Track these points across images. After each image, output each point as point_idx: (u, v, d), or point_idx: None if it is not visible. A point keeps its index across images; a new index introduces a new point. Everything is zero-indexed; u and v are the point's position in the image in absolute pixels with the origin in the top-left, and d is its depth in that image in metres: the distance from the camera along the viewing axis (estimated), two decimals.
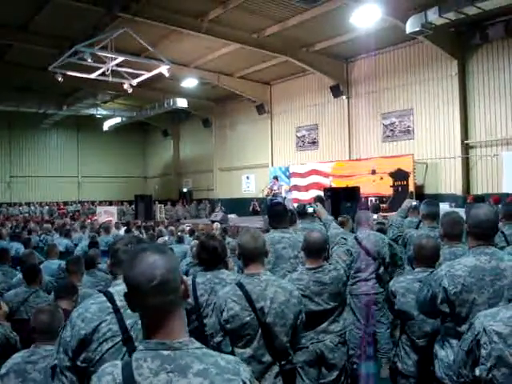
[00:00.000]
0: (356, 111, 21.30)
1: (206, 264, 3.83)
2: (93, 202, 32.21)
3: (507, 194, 14.89)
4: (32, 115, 29.06)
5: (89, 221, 19.10)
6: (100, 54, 16.91)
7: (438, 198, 14.71)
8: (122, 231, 13.56)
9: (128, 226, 15.01)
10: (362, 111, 20.97)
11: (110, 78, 17.95)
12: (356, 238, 6.03)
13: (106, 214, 22.95)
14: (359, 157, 20.96)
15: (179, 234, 11.34)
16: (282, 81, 24.78)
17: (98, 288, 5.83)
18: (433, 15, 14.33)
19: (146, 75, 18.85)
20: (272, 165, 25.35)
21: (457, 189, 17.30)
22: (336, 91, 21.56)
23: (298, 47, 19.77)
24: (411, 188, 17.47)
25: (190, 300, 3.57)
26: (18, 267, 7.00)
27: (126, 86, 19.27)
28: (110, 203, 30.15)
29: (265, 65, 22.04)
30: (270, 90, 25.68)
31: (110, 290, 2.46)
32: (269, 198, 18.31)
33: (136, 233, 13.06)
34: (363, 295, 5.96)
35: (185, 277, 1.70)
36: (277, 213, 5.03)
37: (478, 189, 17.00)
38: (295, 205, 15.94)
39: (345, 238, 5.75)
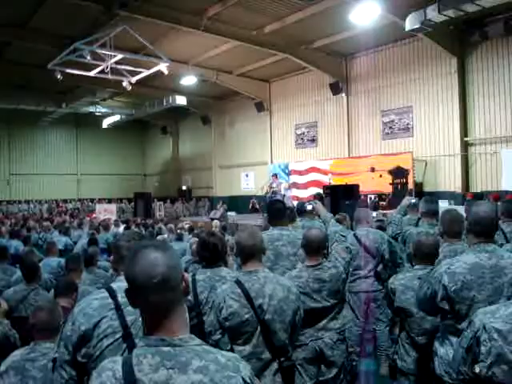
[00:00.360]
0: (355, 109, 21.29)
1: (206, 261, 3.82)
2: (92, 200, 32.28)
3: (506, 192, 14.90)
4: (31, 113, 29.06)
5: (88, 218, 19.08)
6: (99, 51, 16.91)
7: (437, 196, 14.73)
8: (121, 229, 13.55)
9: (127, 223, 15.00)
10: (362, 109, 20.96)
11: (109, 76, 17.94)
12: (355, 236, 6.04)
13: (105, 212, 22.95)
14: (358, 154, 20.96)
15: (178, 231, 11.35)
16: (281, 78, 24.76)
17: (98, 285, 5.83)
18: (432, 12, 14.31)
19: (145, 73, 18.84)
20: (271, 162, 25.35)
21: (456, 186, 17.30)
22: (335, 89, 21.55)
23: (298, 44, 19.74)
24: (410, 185, 17.49)
25: (190, 297, 3.57)
26: (18, 265, 6.99)
27: (125, 84, 19.25)
28: (109, 201, 30.20)
29: (264, 62, 22.01)
30: (269, 87, 25.67)
31: (113, 285, 2.46)
32: (268, 195, 18.31)
33: (135, 230, 13.05)
34: (362, 293, 5.96)
35: (185, 274, 1.70)
36: (276, 210, 5.02)
37: (477, 186, 17.01)
38: (295, 202, 15.96)
39: (344, 236, 5.76)
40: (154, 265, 1.59)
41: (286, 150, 25.06)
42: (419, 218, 6.19)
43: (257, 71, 23.56)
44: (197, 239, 8.95)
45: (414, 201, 6.98)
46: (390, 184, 17.97)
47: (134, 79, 19.22)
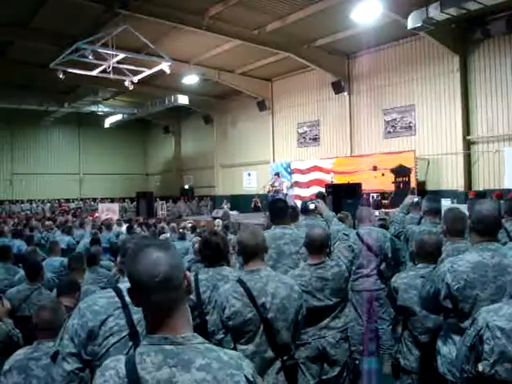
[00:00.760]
0: (357, 107, 21.27)
1: (209, 260, 3.82)
2: (94, 199, 32.30)
3: (509, 190, 14.88)
4: (33, 112, 29.09)
5: (90, 218, 19.10)
6: (101, 51, 16.93)
7: (439, 194, 14.71)
8: (123, 228, 13.56)
9: (130, 223, 15.00)
10: (364, 107, 20.94)
11: (111, 75, 17.97)
12: (358, 234, 6.04)
13: (108, 211, 22.97)
14: (361, 153, 20.93)
15: (181, 230, 11.34)
16: (283, 77, 24.73)
17: (100, 285, 5.85)
18: (434, 11, 14.30)
19: (147, 72, 18.85)
20: (273, 161, 25.33)
21: (458, 185, 17.27)
22: (337, 87, 21.53)
23: (299, 43, 19.72)
24: (413, 184, 17.46)
25: (193, 297, 3.57)
26: (20, 264, 7.01)
27: (127, 83, 19.27)
28: (112, 200, 30.23)
29: (266, 61, 22.00)
30: (271, 86, 25.65)
31: (120, 285, 2.47)
32: (270, 194, 18.31)
33: (138, 230, 13.08)
34: (365, 291, 5.96)
35: (188, 272, 1.70)
36: (278, 209, 5.02)
37: (480, 185, 16.98)
38: (297, 201, 15.95)
39: (346, 234, 5.75)
40: (156, 264, 1.59)
41: (288, 149, 25.05)
42: (421, 217, 6.18)
43: (259, 70, 23.54)
44: (199, 238, 8.96)
45: (416, 199, 6.97)
46: (393, 183, 17.95)
47: (135, 78, 19.22)
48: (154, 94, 26.94)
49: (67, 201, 32.84)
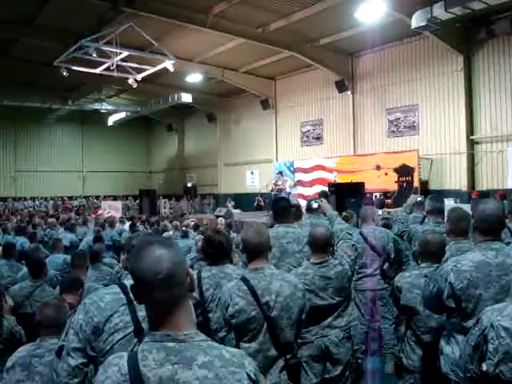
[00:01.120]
0: (361, 106, 21.25)
1: (212, 258, 3.82)
2: (97, 197, 32.32)
3: None
4: (37, 110, 29.12)
5: (93, 215, 19.12)
6: (105, 48, 16.94)
7: (442, 194, 14.69)
8: (126, 226, 13.57)
9: (133, 220, 15.02)
10: (367, 106, 20.92)
11: (115, 73, 17.98)
12: (361, 234, 6.03)
13: (111, 209, 22.98)
14: (364, 152, 20.91)
15: (184, 228, 11.36)
16: (286, 76, 24.71)
17: (103, 282, 5.86)
18: (439, 10, 14.28)
19: (151, 70, 18.86)
20: (276, 160, 25.32)
21: (462, 185, 17.25)
22: (341, 86, 21.50)
23: (303, 42, 19.71)
24: (416, 183, 17.43)
25: (196, 294, 3.57)
26: (23, 261, 7.02)
27: (130, 81, 19.27)
28: (115, 198, 30.21)
29: (269, 60, 21.99)
30: (274, 84, 25.62)
31: (125, 282, 2.47)
32: (273, 193, 18.31)
33: (140, 227, 13.09)
34: (368, 291, 5.96)
35: (190, 270, 1.70)
36: (281, 208, 5.02)
37: (483, 185, 16.96)
38: (300, 200, 15.95)
39: (350, 234, 5.74)
40: (159, 261, 1.59)
41: (291, 148, 25.04)
42: (424, 216, 6.18)
43: (262, 69, 23.53)
44: (202, 236, 8.97)
45: (419, 199, 6.97)
46: (396, 182, 17.93)
47: (139, 76, 19.23)
48: (158, 92, 26.95)
49: (70, 198, 32.84)
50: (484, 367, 2.26)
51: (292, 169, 23.49)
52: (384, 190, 18.59)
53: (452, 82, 17.58)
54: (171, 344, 1.56)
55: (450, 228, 4.13)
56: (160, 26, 17.68)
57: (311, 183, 22.20)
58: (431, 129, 18.51)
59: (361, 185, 15.16)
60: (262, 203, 23.29)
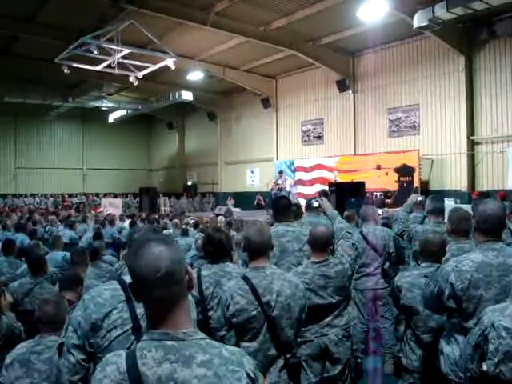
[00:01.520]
0: (362, 106, 21.24)
1: (212, 257, 3.82)
2: (97, 195, 32.33)
3: None
4: (37, 107, 29.09)
5: (93, 212, 19.11)
6: (106, 46, 16.94)
7: (442, 194, 14.67)
8: (126, 224, 13.57)
9: (133, 218, 15.01)
10: (368, 106, 20.91)
11: (116, 71, 17.99)
12: (361, 233, 6.03)
13: (111, 207, 22.97)
14: (364, 152, 20.92)
15: (184, 226, 11.35)
16: (287, 75, 24.71)
17: (103, 279, 5.85)
18: (440, 10, 14.26)
19: (152, 68, 18.86)
20: (277, 159, 25.33)
21: (462, 185, 17.25)
22: (342, 86, 21.51)
23: (305, 41, 19.71)
24: (416, 183, 17.44)
25: (196, 293, 3.57)
26: (23, 258, 7.02)
27: (131, 79, 19.28)
28: (115, 195, 30.23)
29: (271, 58, 21.99)
30: (275, 83, 25.63)
31: (125, 278, 2.46)
32: (273, 192, 18.31)
33: (141, 225, 13.06)
34: (368, 290, 5.96)
35: (189, 268, 1.70)
36: (281, 206, 5.01)
37: (484, 185, 16.96)
38: (300, 199, 15.95)
39: (350, 233, 5.75)
40: (158, 259, 1.58)
41: (291, 147, 25.04)
42: (425, 216, 6.18)
43: (263, 67, 23.53)
44: (202, 235, 8.97)
45: (420, 198, 6.97)
46: (396, 182, 17.95)
47: (140, 74, 19.24)
48: (159, 89, 26.94)
49: (70, 196, 32.82)
50: (484, 367, 2.26)
51: (292, 168, 23.48)
52: (384, 189, 18.60)
53: (453, 82, 17.57)
54: (170, 342, 1.55)
55: (451, 228, 4.12)
56: (161, 24, 17.67)
57: (311, 182, 22.19)
58: (432, 129, 18.51)
59: (361, 184, 15.17)
60: (262, 202, 23.30)
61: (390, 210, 14.57)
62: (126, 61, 18.18)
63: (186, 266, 1.68)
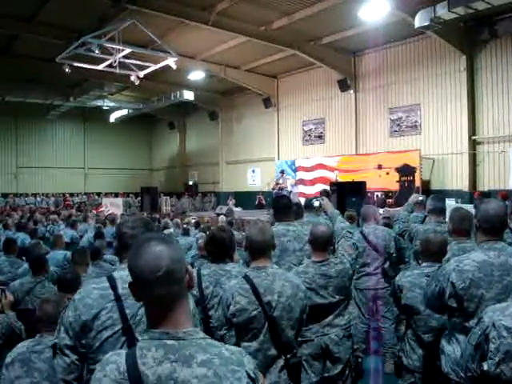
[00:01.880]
0: (363, 106, 21.22)
1: (212, 256, 3.83)
2: (98, 194, 32.34)
3: None
4: (39, 106, 29.11)
5: (94, 212, 19.12)
6: (107, 45, 16.91)
7: (444, 194, 14.66)
8: None
9: None
10: (369, 106, 20.90)
11: (117, 70, 17.96)
12: (362, 233, 6.03)
13: (112, 206, 22.99)
14: (366, 151, 20.90)
15: (185, 226, 11.36)
16: (289, 74, 24.69)
17: None
18: (442, 10, 14.23)
19: (153, 67, 18.85)
20: (278, 158, 25.30)
21: (463, 185, 17.23)
22: (343, 85, 21.49)
23: (306, 40, 19.69)
24: (417, 183, 17.42)
25: (196, 292, 3.57)
26: (24, 257, 7.03)
27: (132, 78, 19.28)
28: (116, 195, 30.25)
29: (272, 58, 21.96)
30: (276, 83, 25.60)
31: (115, 274, 2.45)
32: (274, 191, 18.32)
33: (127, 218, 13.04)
34: (368, 290, 5.96)
35: (189, 267, 1.69)
36: (282, 206, 5.01)
37: (485, 185, 16.94)
38: (302, 199, 15.93)
39: (350, 232, 5.75)
40: (158, 258, 1.58)
41: (292, 147, 25.02)
42: (425, 216, 6.18)
43: (265, 67, 23.51)
44: (203, 234, 8.98)
45: (421, 198, 6.96)
46: (397, 182, 17.93)
47: (141, 73, 19.23)
48: (160, 89, 26.92)
49: (71, 195, 32.82)
50: (485, 367, 2.25)
51: (293, 167, 23.46)
52: (385, 189, 18.57)
53: (454, 81, 17.55)
54: (170, 342, 1.55)
55: (453, 228, 4.12)
56: (162, 24, 17.66)
57: (312, 182, 22.18)
58: (433, 129, 18.49)
59: (362, 184, 15.17)
60: (263, 201, 23.30)
61: (391, 209, 14.57)
62: (127, 60, 18.17)
63: (186, 265, 1.68)
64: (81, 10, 16.86)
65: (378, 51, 19.80)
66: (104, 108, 31.36)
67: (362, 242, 5.96)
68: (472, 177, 17.17)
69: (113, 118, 33.13)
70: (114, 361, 1.57)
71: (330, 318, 4.03)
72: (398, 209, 12.88)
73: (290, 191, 18.89)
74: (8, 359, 3.25)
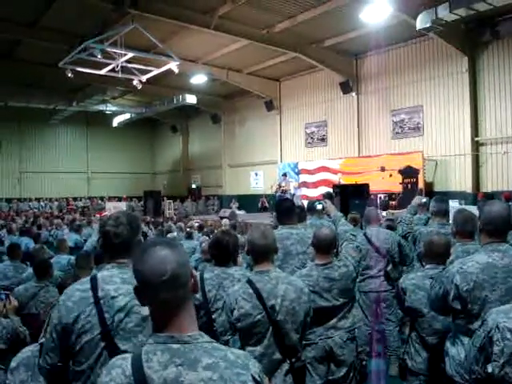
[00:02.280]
0: (365, 108, 21.22)
1: (216, 259, 3.83)
2: (102, 198, 32.36)
3: None
4: (41, 111, 29.14)
5: (98, 216, 19.13)
6: (110, 50, 16.95)
7: (447, 196, 14.66)
8: None
9: None
10: (372, 108, 20.90)
11: (120, 74, 17.99)
12: (365, 235, 6.02)
13: (115, 210, 22.97)
14: (368, 154, 20.89)
15: (188, 229, 11.35)
16: (291, 77, 24.71)
17: None
18: (443, 11, 14.25)
19: (156, 71, 18.86)
20: (281, 161, 25.32)
21: (466, 186, 17.21)
22: (345, 88, 21.49)
23: (308, 43, 19.71)
24: (421, 185, 17.39)
25: (199, 296, 3.56)
26: (28, 262, 7.03)
27: (135, 82, 19.30)
28: (119, 199, 30.29)
29: (274, 61, 21.99)
30: (279, 86, 25.63)
31: (98, 274, 2.45)
32: (277, 194, 18.31)
33: (145, 229, 13.08)
34: (372, 292, 5.95)
35: (194, 271, 1.70)
36: (285, 209, 5.01)
37: (488, 186, 16.91)
38: (304, 201, 15.93)
39: (354, 235, 5.74)
40: (163, 262, 1.59)
41: (295, 149, 25.03)
42: (428, 218, 6.18)
43: (267, 70, 23.54)
44: (207, 238, 8.98)
45: (424, 200, 6.96)
46: (400, 184, 17.91)
47: (144, 78, 19.24)
48: (162, 93, 26.96)
49: (75, 199, 32.87)
50: (489, 369, 2.25)
51: (296, 170, 23.48)
52: (388, 191, 18.56)
53: (457, 83, 17.54)
54: (176, 346, 1.56)
55: (457, 230, 4.11)
56: (165, 28, 17.69)
57: (315, 184, 22.19)
58: (436, 130, 18.48)
59: (365, 186, 15.16)
60: (267, 204, 23.30)
61: (395, 211, 14.56)
62: (129, 65, 18.19)
63: (191, 269, 1.69)
64: (83, 15, 16.90)
65: (380, 53, 19.78)
66: (107, 112, 31.44)
67: (366, 244, 5.95)
68: (475, 178, 17.15)
69: (115, 122, 33.19)
70: (120, 365, 1.58)
71: (334, 320, 4.03)
72: (401, 211, 12.90)
73: (293, 194, 18.89)
74: (13, 364, 3.25)
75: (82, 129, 35.62)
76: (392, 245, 6.02)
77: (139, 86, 19.47)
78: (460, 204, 13.72)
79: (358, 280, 5.25)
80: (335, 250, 4.31)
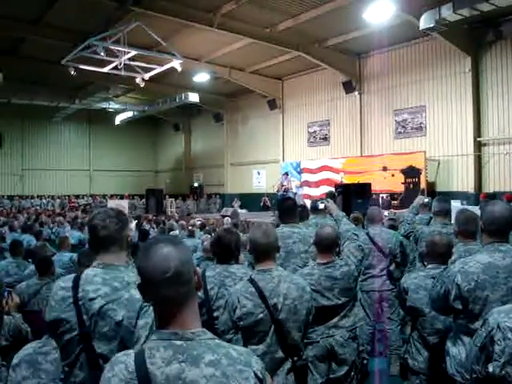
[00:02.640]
0: (368, 107, 21.22)
1: (219, 257, 3.84)
2: (104, 196, 32.37)
3: None
4: (44, 108, 29.16)
5: None
6: (113, 47, 16.95)
7: (449, 196, 14.63)
8: (132, 225, 13.55)
9: (139, 219, 15.03)
10: (374, 107, 20.89)
11: (123, 72, 17.99)
12: (368, 235, 6.02)
13: (117, 208, 22.97)
14: (371, 153, 20.88)
15: (190, 228, 11.36)
16: (294, 76, 24.71)
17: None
18: (447, 11, 14.24)
19: (158, 69, 18.87)
20: (283, 160, 25.32)
21: (469, 186, 17.20)
22: (348, 87, 21.50)
23: (311, 42, 19.71)
24: (423, 185, 17.40)
25: (201, 293, 3.57)
26: (30, 259, 7.04)
27: (138, 80, 19.30)
28: (121, 197, 30.27)
29: (277, 60, 21.99)
30: (281, 85, 25.63)
31: (83, 273, 2.44)
32: (279, 193, 18.31)
33: (147, 227, 13.10)
34: (374, 291, 5.95)
35: (197, 268, 1.71)
36: (287, 208, 5.01)
37: (490, 187, 16.90)
38: (306, 201, 15.94)
39: (356, 234, 5.74)
40: (166, 259, 1.59)
41: (298, 148, 25.03)
42: (431, 218, 6.17)
43: (270, 69, 23.53)
44: (209, 236, 8.99)
45: (426, 200, 6.95)
46: (402, 183, 17.91)
47: (147, 76, 19.25)
48: (165, 91, 26.97)
49: (77, 197, 32.93)
50: (490, 369, 2.25)
51: (299, 169, 23.48)
52: (391, 191, 18.57)
53: (459, 83, 17.53)
54: (179, 342, 1.57)
55: (458, 229, 4.11)
56: (168, 26, 17.70)
57: (318, 184, 22.19)
58: (438, 130, 18.46)
59: (367, 186, 15.18)
60: (269, 203, 23.29)
61: (397, 211, 14.57)
62: (132, 62, 18.19)
63: (194, 266, 1.69)
64: (86, 13, 16.93)
65: (383, 53, 19.78)
66: (109, 110, 31.47)
67: (368, 243, 5.95)
68: (477, 178, 17.14)
69: (118, 120, 33.18)
70: (123, 361, 1.58)
71: (336, 319, 4.03)
72: (403, 210, 12.89)
73: (295, 193, 18.88)
74: (15, 360, 3.26)
75: (85, 126, 35.69)
76: (394, 244, 6.02)
77: (142, 84, 19.47)
78: (462, 204, 13.72)
79: (360, 279, 5.26)
80: (337, 249, 4.31)
